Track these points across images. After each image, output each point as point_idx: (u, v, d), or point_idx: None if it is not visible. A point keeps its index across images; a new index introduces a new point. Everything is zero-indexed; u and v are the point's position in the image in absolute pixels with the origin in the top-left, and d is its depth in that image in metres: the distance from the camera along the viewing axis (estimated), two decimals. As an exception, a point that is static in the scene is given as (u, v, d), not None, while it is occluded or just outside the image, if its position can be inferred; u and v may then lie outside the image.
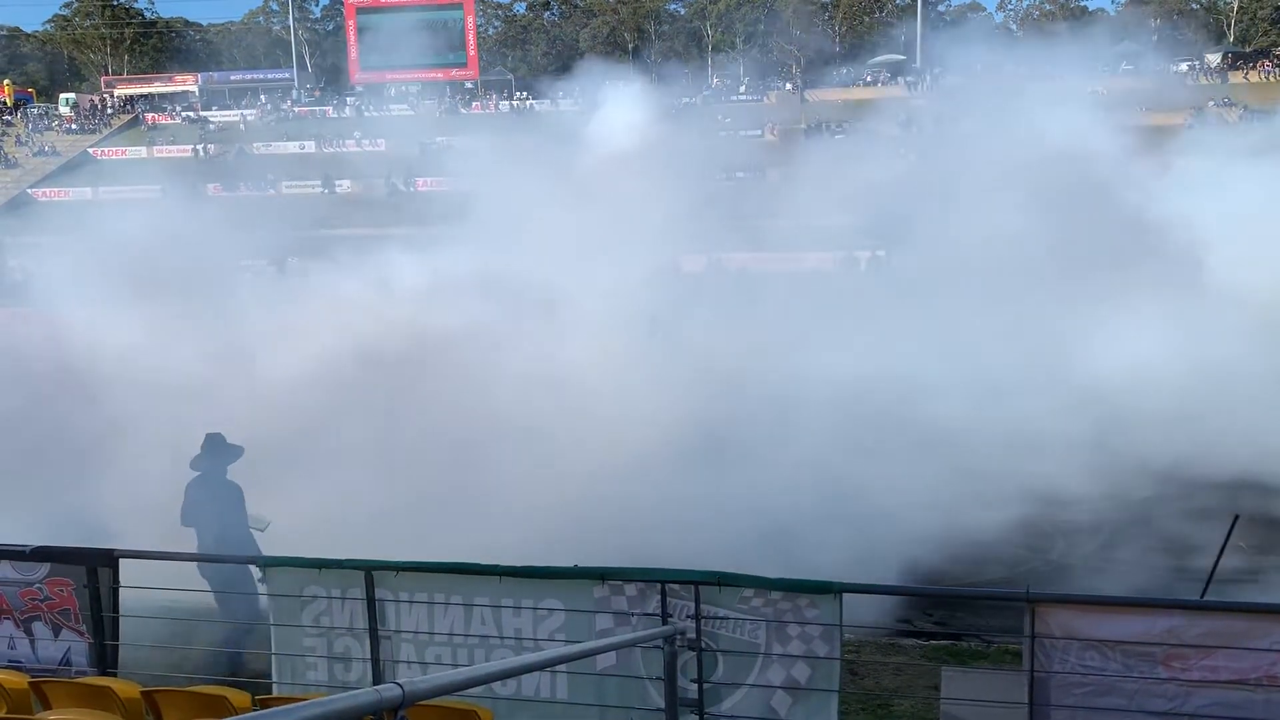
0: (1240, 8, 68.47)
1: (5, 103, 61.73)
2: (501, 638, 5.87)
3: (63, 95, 62.73)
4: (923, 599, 9.27)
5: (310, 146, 54.36)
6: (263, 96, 63.01)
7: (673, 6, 76.52)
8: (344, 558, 6.09)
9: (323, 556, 6.09)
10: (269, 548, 7.43)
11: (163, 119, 61.19)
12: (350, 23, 63.33)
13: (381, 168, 48.51)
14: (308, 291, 16.99)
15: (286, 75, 66.39)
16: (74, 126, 60.26)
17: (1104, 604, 5.36)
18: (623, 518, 9.52)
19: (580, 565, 5.87)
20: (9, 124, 59.82)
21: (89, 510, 9.15)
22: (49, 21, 77.13)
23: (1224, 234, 16.91)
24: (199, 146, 54.66)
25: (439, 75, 59.97)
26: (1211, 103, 49.34)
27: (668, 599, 5.65)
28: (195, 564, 7.27)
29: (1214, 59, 57.19)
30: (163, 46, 76.66)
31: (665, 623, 5.59)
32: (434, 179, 44.07)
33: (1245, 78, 54.89)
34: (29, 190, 52.39)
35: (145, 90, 65.09)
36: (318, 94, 64.61)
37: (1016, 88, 21.37)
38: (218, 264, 15.56)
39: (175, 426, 9.55)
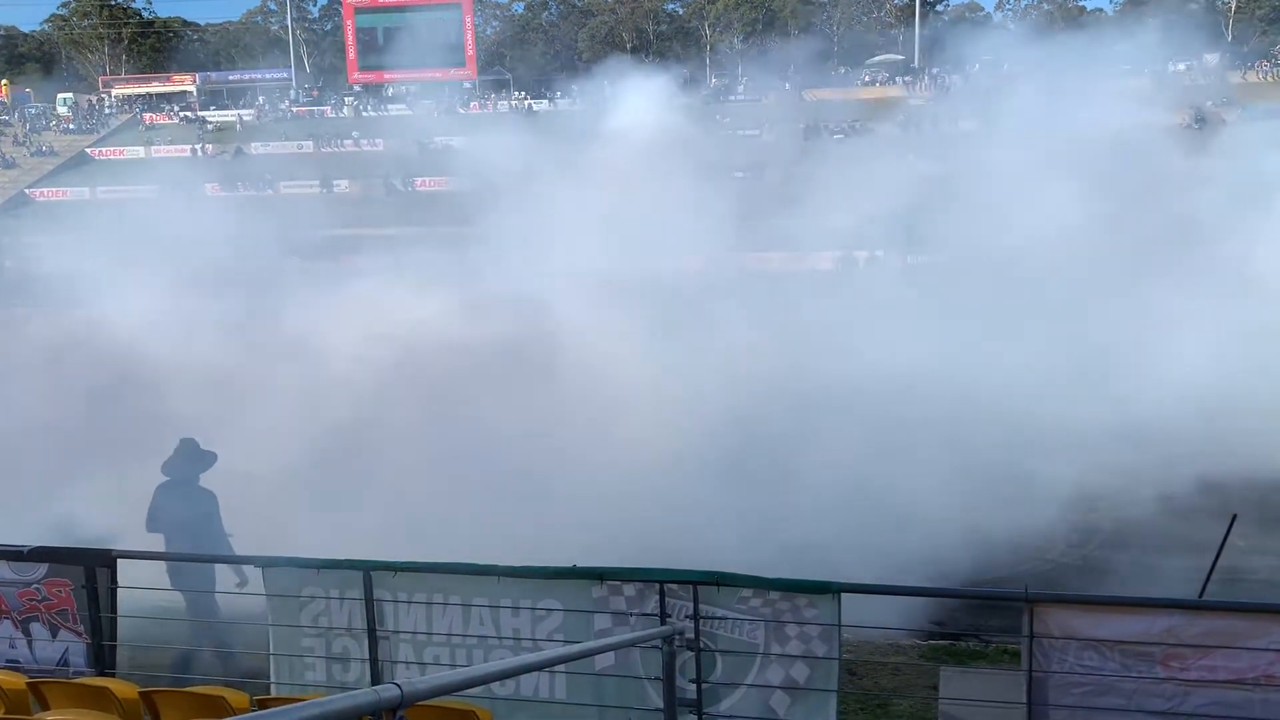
0: (1238, 8, 68.50)
1: (4, 103, 61.65)
2: (500, 638, 5.87)
3: (61, 95, 62.53)
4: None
5: (308, 146, 54.31)
6: (261, 96, 62.94)
7: (671, 6, 76.53)
8: (342, 558, 6.09)
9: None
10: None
11: (161, 119, 61.08)
12: (348, 22, 63.23)
13: (379, 167, 48.51)
14: (377, 290, 16.84)
15: (285, 75, 66.25)
16: (72, 126, 60.17)
17: (1102, 604, 5.36)
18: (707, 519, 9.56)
19: (578, 565, 5.87)
20: (7, 124, 59.74)
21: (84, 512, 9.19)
22: (47, 21, 77.06)
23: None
24: (197, 146, 54.60)
25: (437, 75, 59.86)
26: (1210, 103, 49.32)
27: (666, 599, 5.65)
28: (165, 565, 7.22)
29: (1212, 59, 57.17)
30: (161, 46, 76.48)
31: (664, 623, 5.59)
32: (433, 179, 44.02)
33: (1244, 78, 54.90)
34: (27, 190, 52.32)
35: (143, 90, 64.99)
36: (316, 94, 64.54)
37: (1052, 85, 20.96)
38: (275, 261, 15.76)
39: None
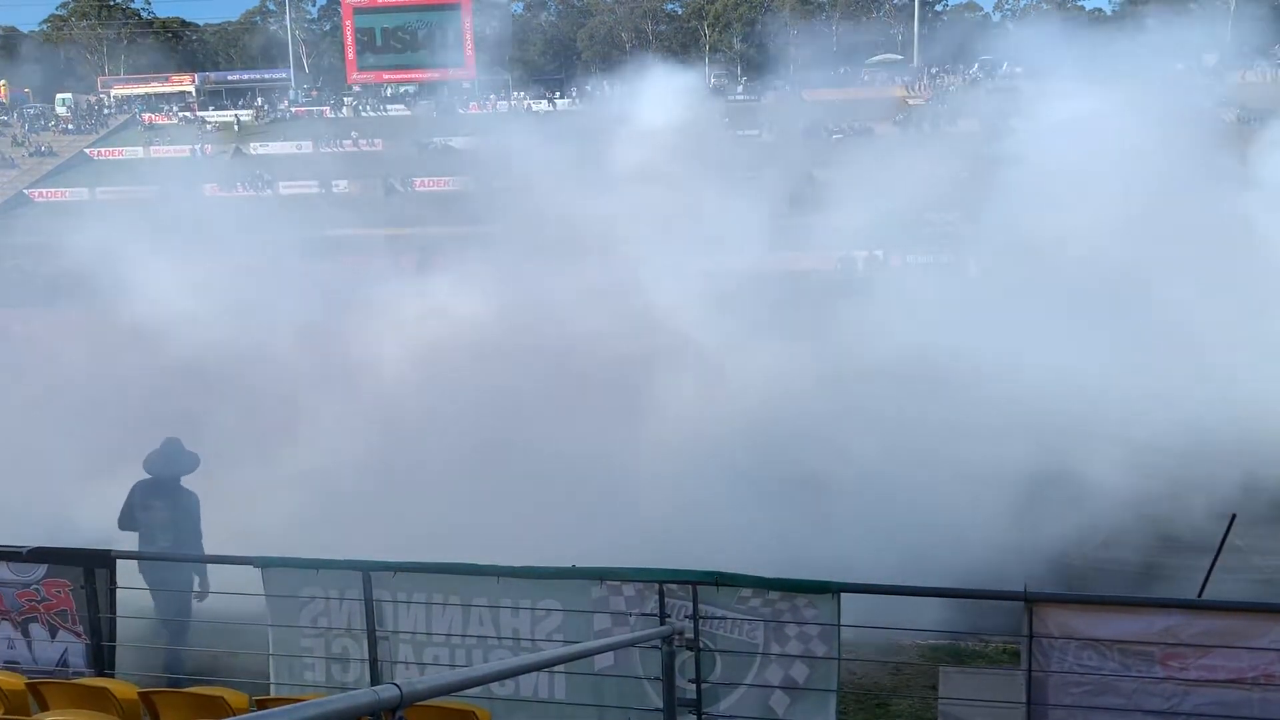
0: (1238, 7, 68.55)
1: (2, 103, 61.62)
2: (499, 638, 5.87)
3: (59, 95, 62.49)
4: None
5: (308, 146, 54.30)
6: (260, 97, 62.92)
7: (670, 6, 76.48)
8: (341, 558, 6.08)
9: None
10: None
11: (160, 119, 61.04)
12: (347, 22, 63.18)
13: (379, 167, 48.50)
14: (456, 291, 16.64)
15: (283, 75, 66.25)
16: (71, 127, 60.10)
17: (1102, 603, 5.36)
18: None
19: (578, 565, 5.87)
20: (6, 124, 59.70)
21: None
22: (45, 21, 76.97)
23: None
24: (196, 146, 54.57)
25: (436, 75, 59.83)
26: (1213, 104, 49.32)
27: (666, 599, 5.64)
28: (135, 563, 7.16)
29: (1211, 59, 57.16)
30: (159, 46, 76.45)
31: (663, 623, 5.59)
32: (433, 179, 43.96)
33: (1243, 78, 54.90)
34: (25, 191, 52.29)
35: (142, 90, 64.87)
36: (315, 94, 64.53)
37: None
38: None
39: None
